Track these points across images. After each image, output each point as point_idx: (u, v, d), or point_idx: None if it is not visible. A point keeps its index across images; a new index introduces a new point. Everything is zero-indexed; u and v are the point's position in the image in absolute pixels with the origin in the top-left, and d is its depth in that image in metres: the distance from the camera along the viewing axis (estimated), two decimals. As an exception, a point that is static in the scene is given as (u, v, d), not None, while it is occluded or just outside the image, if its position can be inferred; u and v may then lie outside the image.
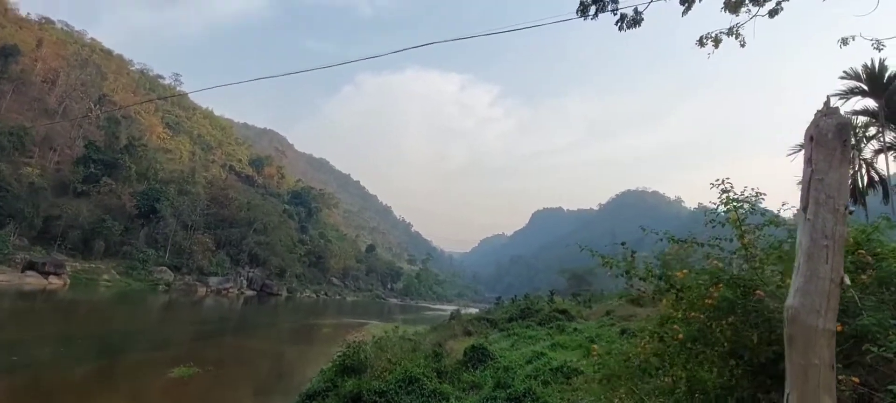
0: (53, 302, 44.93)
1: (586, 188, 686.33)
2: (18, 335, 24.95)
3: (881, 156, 27.85)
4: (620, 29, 6.47)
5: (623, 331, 14.46)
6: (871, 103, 27.72)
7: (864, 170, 28.18)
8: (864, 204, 25.89)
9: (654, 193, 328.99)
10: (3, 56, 79.18)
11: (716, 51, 6.62)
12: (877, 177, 27.72)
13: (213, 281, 77.20)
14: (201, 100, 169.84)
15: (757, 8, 8.09)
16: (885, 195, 26.86)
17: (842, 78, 27.96)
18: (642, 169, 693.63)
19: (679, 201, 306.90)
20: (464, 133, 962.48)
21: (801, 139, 2.81)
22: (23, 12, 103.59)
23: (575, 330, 17.21)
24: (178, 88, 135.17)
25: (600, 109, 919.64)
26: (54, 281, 52.94)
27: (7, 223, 58.13)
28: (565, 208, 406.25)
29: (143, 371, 18.70)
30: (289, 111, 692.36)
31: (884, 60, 26.82)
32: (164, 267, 72.01)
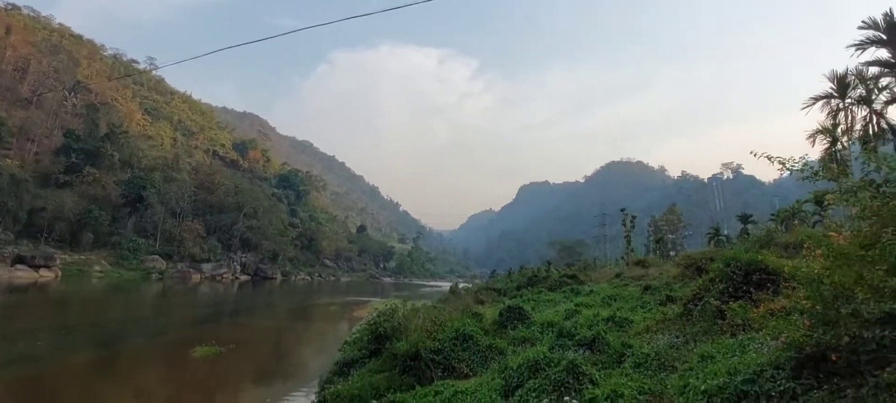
0: (47, 294, 44.34)
1: (571, 161, 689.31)
2: (17, 327, 24.61)
3: (893, 107, 28.70)
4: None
5: (646, 288, 15.07)
6: (884, 54, 28.16)
7: (874, 120, 28.99)
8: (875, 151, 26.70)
9: (639, 163, 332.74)
10: (-30, 44, 75.62)
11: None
12: (888, 126, 28.56)
13: (206, 267, 76.64)
14: (179, 83, 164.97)
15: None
16: None
17: (860, 28, 28.46)
18: (625, 140, 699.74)
19: (663, 170, 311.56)
20: (445, 109, 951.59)
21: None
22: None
23: (591, 291, 17.86)
24: (153, 73, 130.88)
25: (580, 81, 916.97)
26: (45, 274, 52.09)
27: (-10, 217, 56.64)
28: (552, 181, 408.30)
29: (163, 353, 18.83)
30: (267, 93, 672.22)
31: None
32: (156, 256, 71.15)
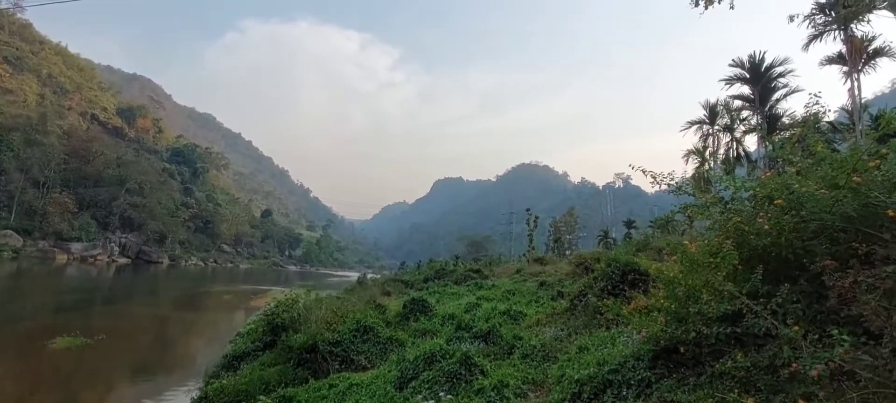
0: None
1: (485, 158, 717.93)
2: None
3: (749, 136, 34.43)
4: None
5: (542, 283, 16.13)
6: (746, 90, 33.46)
7: (734, 146, 34.54)
8: (732, 173, 32.21)
9: (545, 167, 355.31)
10: None
11: (705, 11, 8.04)
12: (744, 153, 34.28)
13: (76, 247, 67.03)
14: (52, 31, 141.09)
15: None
16: (752, 167, 33.26)
17: (730, 65, 33.37)
18: (535, 143, 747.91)
19: (566, 175, 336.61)
20: (365, 96, 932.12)
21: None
22: None
23: (493, 286, 18.73)
24: (18, 15, 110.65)
25: (497, 82, 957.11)
26: None
27: None
28: (465, 178, 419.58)
29: (13, 344, 16.08)
30: (163, 56, 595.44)
31: (765, 52, 32.16)
32: (10, 232, 60.62)
